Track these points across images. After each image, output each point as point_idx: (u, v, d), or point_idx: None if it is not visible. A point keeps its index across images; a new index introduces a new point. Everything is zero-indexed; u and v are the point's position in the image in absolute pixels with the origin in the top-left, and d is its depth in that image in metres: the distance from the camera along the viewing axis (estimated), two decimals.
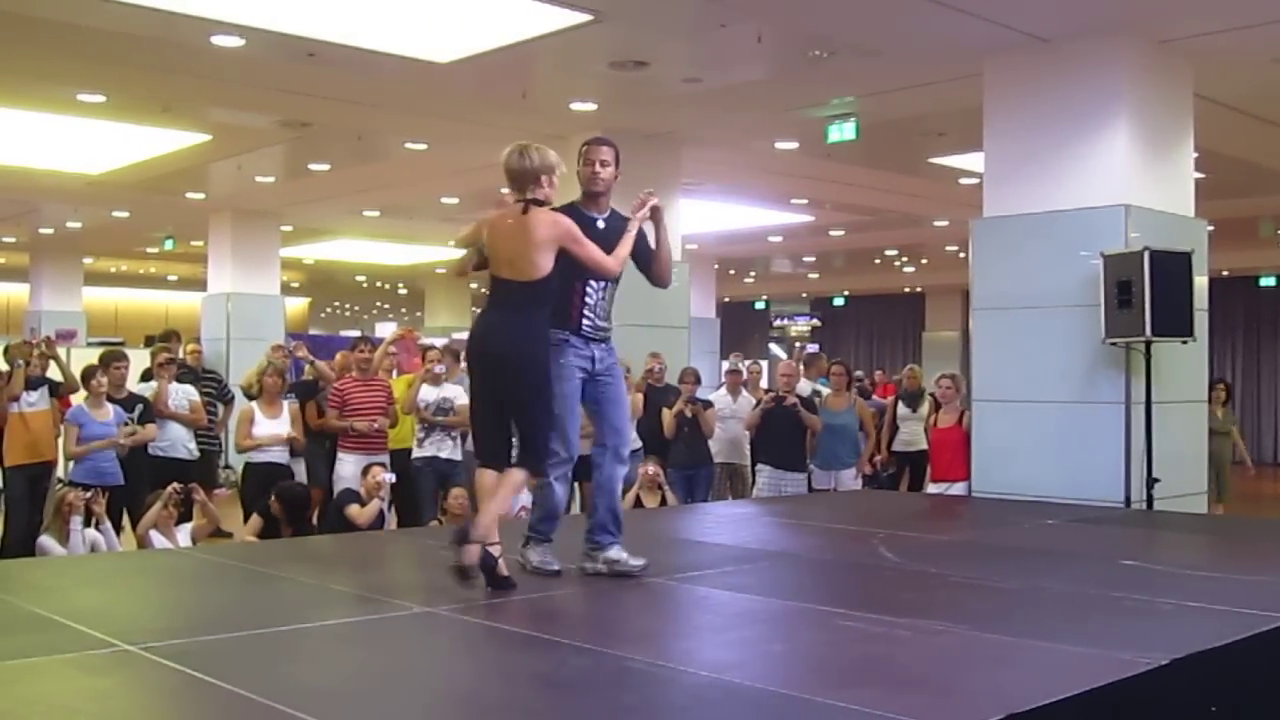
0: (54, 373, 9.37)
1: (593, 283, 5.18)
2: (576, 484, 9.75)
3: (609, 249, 5.11)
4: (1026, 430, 8.21)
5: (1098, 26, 7.84)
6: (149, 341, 12.15)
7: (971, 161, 11.27)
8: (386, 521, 8.44)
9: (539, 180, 5.01)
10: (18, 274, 22.92)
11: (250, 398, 9.41)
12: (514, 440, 4.92)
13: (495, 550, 4.69)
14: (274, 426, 8.96)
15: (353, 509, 7.97)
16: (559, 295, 5.01)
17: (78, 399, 9.01)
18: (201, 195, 15.71)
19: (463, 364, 11.23)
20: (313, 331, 27.62)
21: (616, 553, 5.17)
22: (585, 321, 5.18)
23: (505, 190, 5.16)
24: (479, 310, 5.02)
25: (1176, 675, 3.54)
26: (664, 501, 8.93)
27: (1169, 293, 7.59)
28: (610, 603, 4.87)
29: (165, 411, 9.30)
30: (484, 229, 5.05)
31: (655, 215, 5.43)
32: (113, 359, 9.00)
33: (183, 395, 9.53)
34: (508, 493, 4.90)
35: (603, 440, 5.24)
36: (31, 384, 8.87)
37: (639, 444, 9.82)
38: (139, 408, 8.95)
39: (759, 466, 9.60)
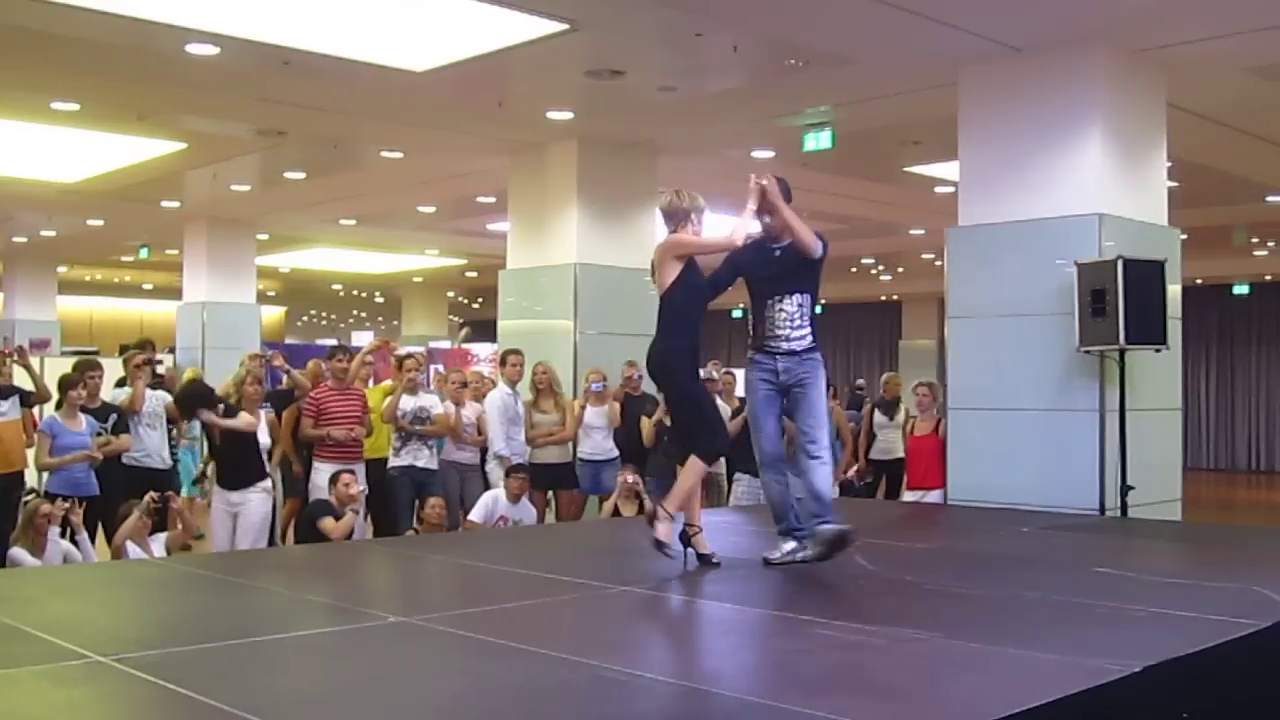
0: (22, 380, 9.26)
1: (769, 300, 5.67)
2: (552, 493, 9.80)
3: (783, 271, 5.69)
4: (1002, 438, 8.24)
5: (1071, 36, 7.88)
6: (123, 350, 12.06)
7: (947, 170, 11.31)
8: (362, 532, 8.40)
9: (687, 218, 5.57)
10: None
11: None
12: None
13: (692, 530, 5.57)
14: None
15: (327, 523, 7.87)
16: (750, 321, 5.77)
17: (48, 409, 8.94)
18: (177, 203, 15.66)
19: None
20: (289, 340, 27.52)
21: (828, 528, 5.57)
22: (766, 338, 5.69)
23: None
24: None
25: (1149, 682, 3.55)
26: (642, 510, 8.91)
27: (1142, 301, 7.64)
28: (586, 612, 4.86)
29: (139, 408, 9.18)
30: None
31: (760, 198, 5.71)
32: (87, 368, 8.93)
33: (158, 401, 9.45)
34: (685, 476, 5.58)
35: (797, 441, 5.77)
36: (2, 394, 8.80)
37: (616, 452, 9.83)
38: (113, 418, 8.89)
39: (737, 475, 9.59)
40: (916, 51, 8.26)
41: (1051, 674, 3.62)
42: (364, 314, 35.19)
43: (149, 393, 9.38)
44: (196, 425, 9.76)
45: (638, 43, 8.35)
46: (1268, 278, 23.06)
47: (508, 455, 9.33)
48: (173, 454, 10.20)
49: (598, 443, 9.87)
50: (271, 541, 8.57)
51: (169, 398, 9.69)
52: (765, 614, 4.96)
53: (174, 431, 10.53)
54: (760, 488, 9.28)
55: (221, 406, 8.35)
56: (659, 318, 5.59)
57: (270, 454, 9.06)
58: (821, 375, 5.73)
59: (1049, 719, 3.20)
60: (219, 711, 3.21)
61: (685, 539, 5.59)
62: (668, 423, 9.54)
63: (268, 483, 8.43)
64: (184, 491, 11.49)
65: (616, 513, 8.89)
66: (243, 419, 8.23)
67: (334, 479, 8.20)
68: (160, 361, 10.01)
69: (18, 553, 7.32)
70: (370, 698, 3.38)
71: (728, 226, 5.60)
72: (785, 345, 5.65)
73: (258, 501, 8.23)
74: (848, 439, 10.46)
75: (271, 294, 27.52)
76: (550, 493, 9.79)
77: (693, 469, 5.55)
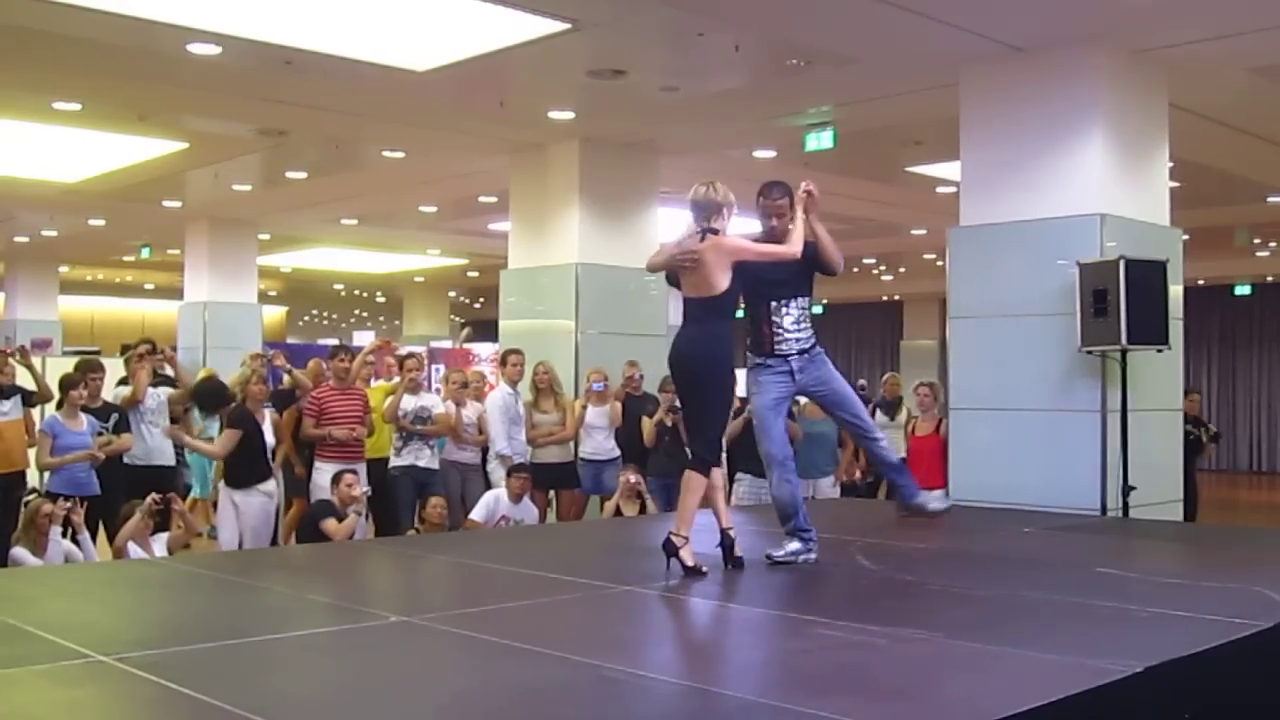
0: (24, 380, 9.26)
1: (774, 304, 5.75)
2: (554, 493, 9.80)
3: (789, 277, 5.73)
4: (1003, 438, 8.24)
5: (1073, 36, 7.88)
6: (124, 350, 12.07)
7: (948, 170, 11.30)
8: (364, 532, 8.40)
9: (720, 212, 5.50)
10: None
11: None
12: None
13: (679, 541, 5.36)
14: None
15: (329, 524, 7.88)
16: (750, 325, 5.78)
17: (49, 409, 8.94)
18: (178, 203, 15.66)
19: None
20: (290, 340, 27.52)
21: (922, 498, 6.17)
22: (777, 341, 5.76)
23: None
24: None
25: (1151, 683, 3.55)
26: (644, 510, 8.93)
27: (1144, 301, 7.63)
28: (588, 612, 4.87)
29: (141, 395, 9.19)
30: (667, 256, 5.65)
31: (807, 204, 5.75)
32: (89, 369, 8.93)
33: (161, 397, 9.43)
34: (685, 492, 5.47)
35: (855, 434, 6.15)
36: (4, 393, 8.80)
37: (617, 452, 9.83)
38: (114, 417, 8.89)
39: (738, 475, 9.59)
40: (918, 51, 8.26)
41: (1053, 674, 3.62)
42: (365, 314, 35.19)
43: (152, 390, 9.37)
44: (212, 426, 9.79)
45: (639, 42, 8.35)
46: (1269, 278, 23.05)
47: (509, 455, 9.33)
48: (180, 453, 10.20)
49: (599, 442, 9.87)
50: (275, 541, 8.55)
51: (168, 392, 9.68)
52: (767, 614, 4.96)
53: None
54: (760, 488, 9.37)
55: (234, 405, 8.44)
56: (703, 316, 5.49)
57: (274, 453, 9.06)
58: (833, 367, 5.94)
59: (1051, 719, 3.19)
60: (220, 711, 3.21)
61: (673, 549, 5.40)
62: (669, 423, 9.56)
63: (271, 483, 8.44)
64: (196, 491, 11.49)
65: (618, 513, 8.89)
66: (220, 443, 8.33)
67: (336, 479, 8.22)
68: (163, 352, 10.03)
69: (19, 552, 7.33)
70: (372, 697, 3.38)
71: (795, 238, 5.62)
72: (796, 346, 5.76)
73: (260, 500, 8.27)
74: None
75: (273, 294, 27.54)
76: (552, 493, 9.79)
77: (695, 486, 5.45)
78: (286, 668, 3.88)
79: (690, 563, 5.35)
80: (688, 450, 9.29)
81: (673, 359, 5.62)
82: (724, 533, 5.60)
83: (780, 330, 5.74)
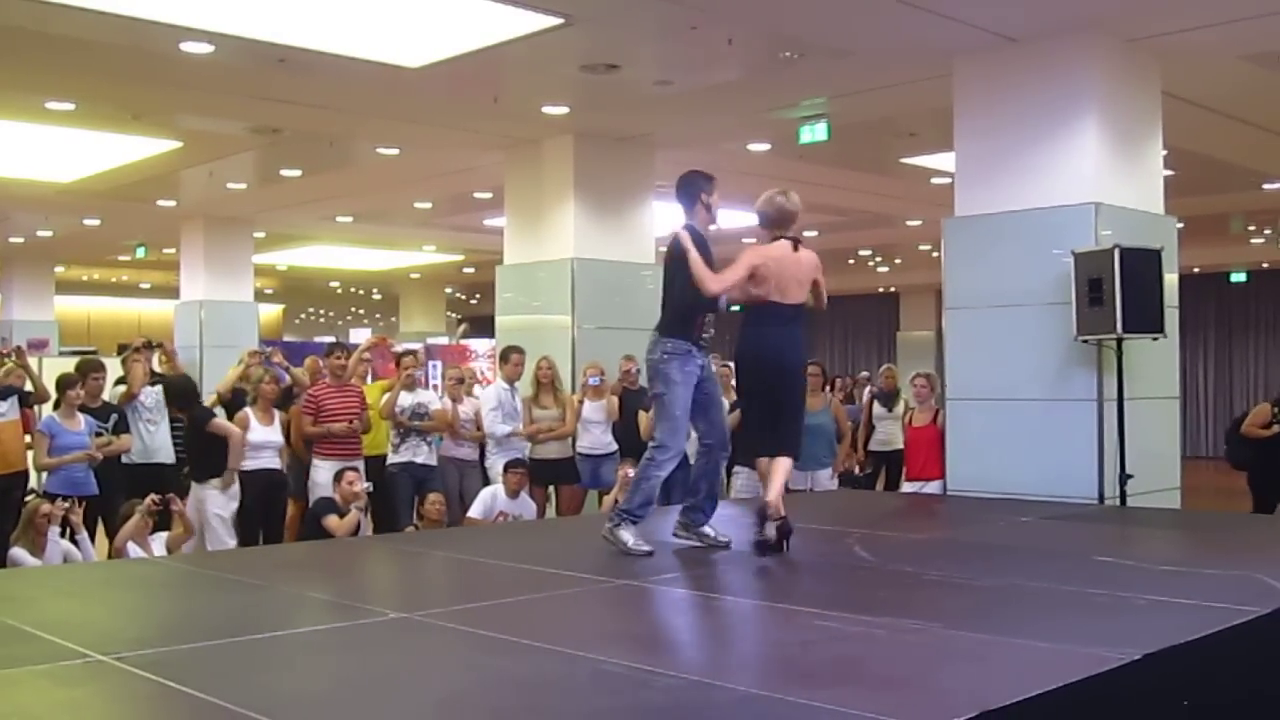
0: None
1: (710, 312, 5.92)
2: (552, 488, 9.79)
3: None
4: (1000, 428, 8.24)
5: (1066, 26, 7.88)
6: (121, 350, 12.06)
7: (943, 161, 11.31)
8: (364, 529, 8.41)
9: (797, 219, 5.85)
10: None
11: (223, 404, 9.32)
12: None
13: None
14: (269, 434, 8.86)
15: (331, 521, 7.90)
16: (688, 310, 5.78)
17: (46, 409, 8.93)
18: (173, 202, 15.63)
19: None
20: (287, 338, 27.50)
21: (709, 529, 6.00)
22: (704, 335, 5.90)
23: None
24: (753, 327, 5.92)
25: (1150, 670, 3.56)
26: None
27: (1140, 290, 7.64)
28: (586, 606, 4.87)
29: (136, 390, 9.19)
30: (751, 267, 5.75)
31: None
32: (90, 369, 8.92)
33: (159, 395, 9.41)
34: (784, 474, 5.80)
35: (709, 438, 6.03)
36: (1, 394, 8.80)
37: (615, 447, 9.83)
38: (113, 417, 8.88)
39: (736, 468, 9.58)
40: (911, 43, 8.25)
41: (1052, 663, 3.63)
42: (362, 311, 35.19)
43: (149, 388, 9.35)
44: None
45: (633, 37, 8.34)
46: (1265, 265, 23.05)
47: (508, 430, 9.38)
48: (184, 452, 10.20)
49: (596, 437, 9.87)
50: (243, 541, 8.47)
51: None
52: (766, 606, 4.96)
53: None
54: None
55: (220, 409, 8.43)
56: (796, 319, 5.83)
57: (281, 453, 9.03)
58: None
59: (1050, 708, 3.20)
60: (220, 709, 3.21)
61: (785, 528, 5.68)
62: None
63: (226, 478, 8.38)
64: None
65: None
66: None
67: (338, 477, 8.23)
68: (160, 345, 10.02)
69: (18, 553, 7.33)
70: (371, 694, 3.38)
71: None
72: (709, 343, 6.02)
73: (214, 495, 8.26)
74: (846, 431, 10.45)
75: (269, 292, 27.52)
76: (550, 488, 9.79)
77: (786, 467, 5.82)
78: (286, 665, 3.88)
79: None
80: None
81: (770, 357, 5.83)
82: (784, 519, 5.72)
83: (709, 327, 5.94)
